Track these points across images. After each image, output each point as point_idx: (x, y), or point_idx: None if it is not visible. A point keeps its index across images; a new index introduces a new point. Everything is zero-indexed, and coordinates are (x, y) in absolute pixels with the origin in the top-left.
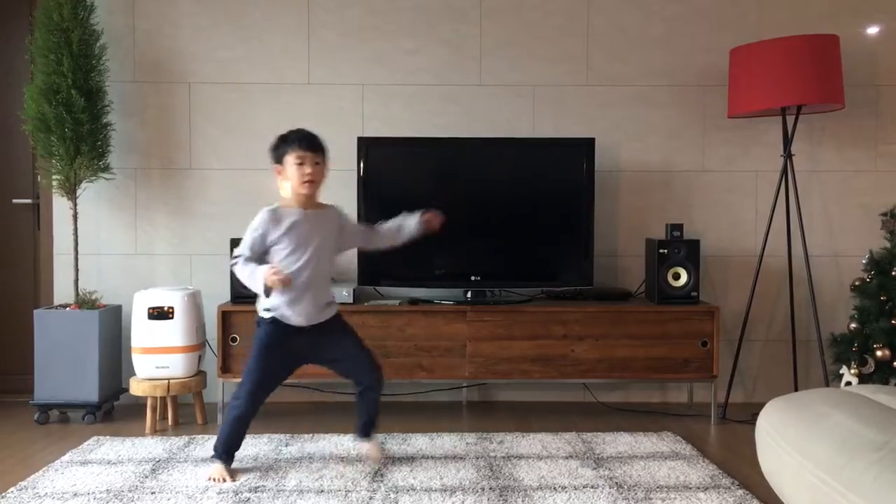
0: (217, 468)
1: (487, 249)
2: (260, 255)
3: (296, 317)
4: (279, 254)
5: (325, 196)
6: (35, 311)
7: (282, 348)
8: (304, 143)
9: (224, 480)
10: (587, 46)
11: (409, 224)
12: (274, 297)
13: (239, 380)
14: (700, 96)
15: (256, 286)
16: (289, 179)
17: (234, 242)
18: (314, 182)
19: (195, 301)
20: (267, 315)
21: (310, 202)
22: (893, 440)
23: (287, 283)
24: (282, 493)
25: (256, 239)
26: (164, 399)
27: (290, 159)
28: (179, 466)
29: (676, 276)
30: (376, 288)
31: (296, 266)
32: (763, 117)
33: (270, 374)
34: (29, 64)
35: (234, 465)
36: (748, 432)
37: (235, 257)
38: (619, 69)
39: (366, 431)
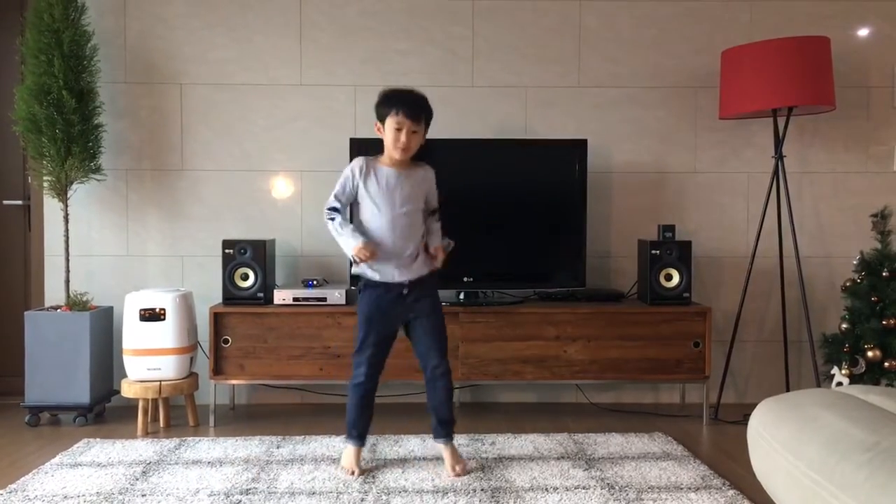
0: (348, 454)
1: (480, 251)
2: (349, 204)
3: (387, 272)
4: (365, 207)
5: (317, 198)
6: (26, 313)
7: (382, 309)
8: (406, 111)
9: (352, 473)
10: (579, 48)
11: (432, 235)
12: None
13: (231, 382)
14: (692, 98)
15: (345, 251)
16: (385, 139)
17: (226, 244)
18: (407, 150)
19: (187, 302)
20: (364, 276)
21: (403, 161)
22: (884, 441)
23: (374, 258)
24: (273, 494)
25: (347, 186)
26: (155, 401)
27: (390, 122)
28: (170, 469)
29: (669, 277)
30: None
31: (383, 220)
32: (754, 119)
33: (380, 338)
34: (20, 65)
35: (233, 466)
36: (740, 433)
37: (329, 210)
38: (611, 71)
39: (436, 432)
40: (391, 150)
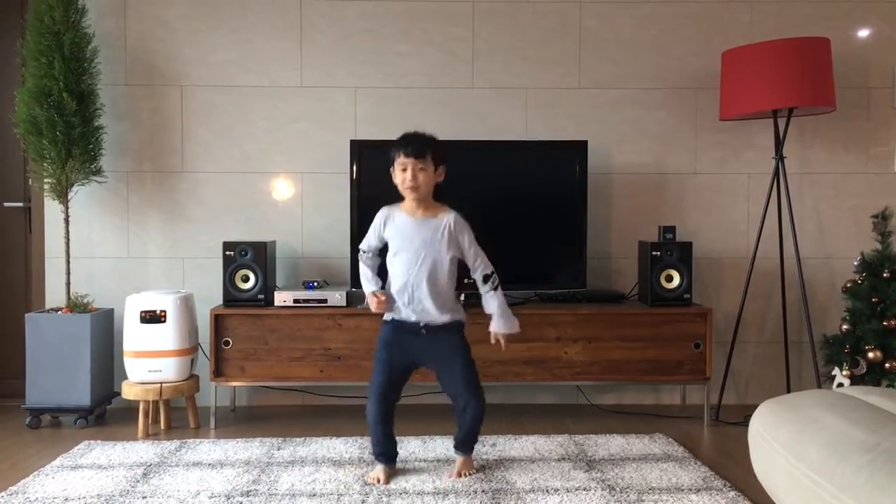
0: (377, 469)
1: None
2: (379, 250)
3: (404, 312)
4: (390, 251)
5: (317, 200)
6: (27, 315)
7: (396, 342)
8: (406, 150)
9: (378, 482)
10: (579, 49)
11: (496, 317)
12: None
13: (232, 383)
14: (692, 99)
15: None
16: (398, 184)
17: (227, 246)
18: (415, 188)
19: (188, 304)
20: (386, 316)
21: (422, 206)
22: (885, 442)
23: (383, 308)
24: (274, 496)
25: (371, 234)
26: (156, 403)
27: (397, 165)
28: (171, 471)
29: (669, 279)
30: None
31: (402, 271)
32: (755, 120)
33: (392, 371)
34: (20, 67)
35: (234, 468)
36: (741, 434)
37: (361, 251)
38: (611, 72)
39: (456, 445)
40: (403, 192)
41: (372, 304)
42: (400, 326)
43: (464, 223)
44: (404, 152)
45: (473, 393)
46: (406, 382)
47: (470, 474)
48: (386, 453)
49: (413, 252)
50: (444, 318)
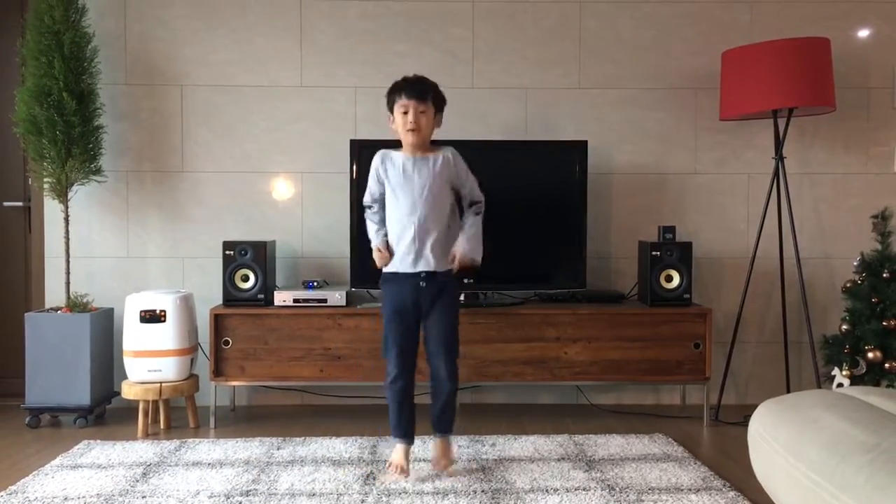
0: (397, 452)
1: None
2: (383, 198)
3: (406, 261)
4: (388, 197)
5: (317, 199)
6: (26, 315)
7: (401, 304)
8: (408, 92)
9: (401, 471)
10: (579, 49)
11: (461, 240)
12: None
13: (231, 383)
14: (692, 99)
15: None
16: (398, 128)
17: (227, 245)
18: (416, 130)
19: (187, 304)
20: (385, 269)
21: (419, 148)
22: (885, 442)
23: (384, 262)
24: (273, 496)
25: (372, 182)
26: (156, 402)
27: (397, 109)
28: (171, 470)
29: (669, 279)
30: (369, 291)
31: (400, 209)
32: (755, 120)
33: (403, 334)
34: (20, 66)
35: (233, 467)
36: (740, 434)
37: (366, 207)
38: (611, 72)
39: (439, 426)
40: (403, 136)
41: (377, 259)
42: (401, 283)
43: (459, 155)
44: (406, 94)
45: (446, 356)
46: (418, 342)
47: (449, 465)
48: (409, 431)
49: (414, 191)
50: (443, 267)
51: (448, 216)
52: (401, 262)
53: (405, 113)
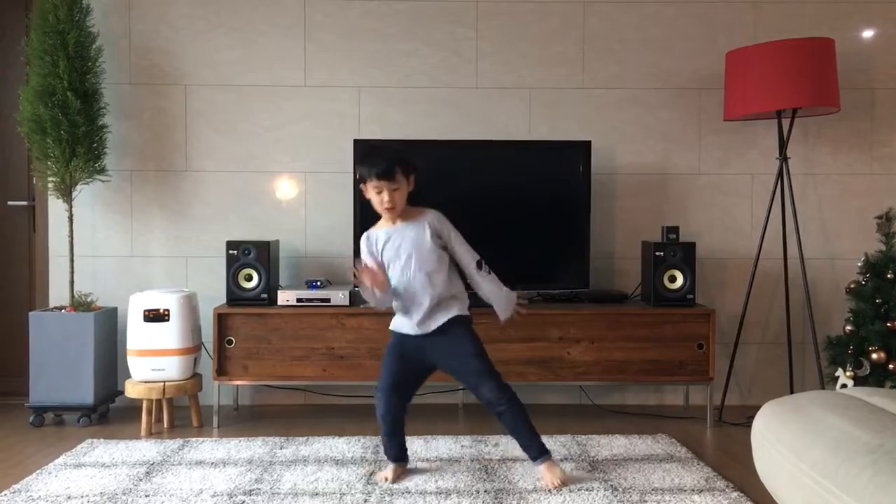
0: (388, 468)
1: (483, 252)
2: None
3: (407, 326)
4: (385, 267)
5: (320, 199)
6: (30, 314)
7: (403, 354)
8: (378, 173)
9: (385, 480)
10: (583, 49)
11: (494, 303)
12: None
13: (235, 382)
14: (696, 99)
15: (368, 296)
16: (373, 202)
17: (230, 245)
18: (393, 208)
19: (191, 303)
20: (392, 328)
21: (399, 217)
22: (888, 443)
23: (379, 284)
24: (276, 495)
25: (369, 260)
26: (159, 402)
27: (370, 188)
28: (174, 469)
29: (672, 279)
30: None
31: (397, 279)
32: (759, 120)
33: (397, 376)
34: (25, 66)
35: (236, 466)
36: (744, 435)
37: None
38: (615, 72)
39: (529, 454)
40: (381, 212)
41: (368, 279)
42: (405, 339)
43: (444, 218)
44: (376, 175)
45: (494, 384)
46: (419, 385)
47: (559, 483)
48: (396, 454)
49: (403, 256)
50: (443, 319)
51: (443, 271)
52: (409, 328)
53: (378, 193)
